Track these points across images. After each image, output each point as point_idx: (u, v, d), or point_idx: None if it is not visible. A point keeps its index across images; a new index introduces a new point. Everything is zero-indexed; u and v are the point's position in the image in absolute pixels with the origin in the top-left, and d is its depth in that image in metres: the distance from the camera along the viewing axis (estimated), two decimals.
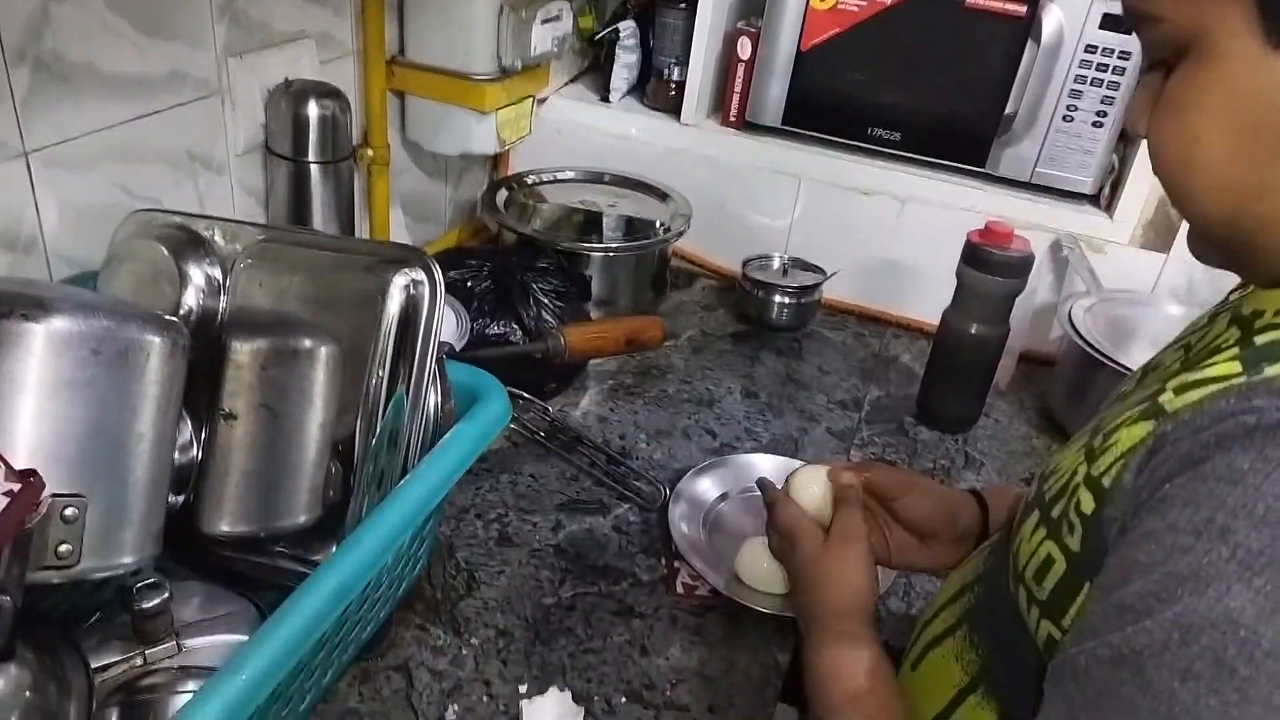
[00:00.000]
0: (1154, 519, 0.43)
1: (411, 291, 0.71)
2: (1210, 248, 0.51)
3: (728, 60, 1.42)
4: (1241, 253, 0.49)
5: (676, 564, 0.91)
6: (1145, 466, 0.45)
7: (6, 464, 0.52)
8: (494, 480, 1.01)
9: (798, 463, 1.05)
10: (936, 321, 1.18)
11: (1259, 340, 0.47)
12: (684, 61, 1.42)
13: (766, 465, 1.04)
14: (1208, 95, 0.45)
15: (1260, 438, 0.40)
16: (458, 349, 1.03)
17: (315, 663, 0.66)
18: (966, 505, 0.79)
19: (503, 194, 1.35)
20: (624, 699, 0.77)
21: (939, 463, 1.14)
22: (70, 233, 0.84)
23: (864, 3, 1.28)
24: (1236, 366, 0.45)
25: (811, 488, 0.79)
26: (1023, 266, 1.06)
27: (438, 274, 0.71)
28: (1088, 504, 0.49)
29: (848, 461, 0.83)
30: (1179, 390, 0.46)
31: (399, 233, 1.33)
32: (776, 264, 1.38)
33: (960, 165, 1.31)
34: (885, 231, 1.36)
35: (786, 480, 0.81)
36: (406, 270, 0.71)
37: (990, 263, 1.06)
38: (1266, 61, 0.43)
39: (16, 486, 0.52)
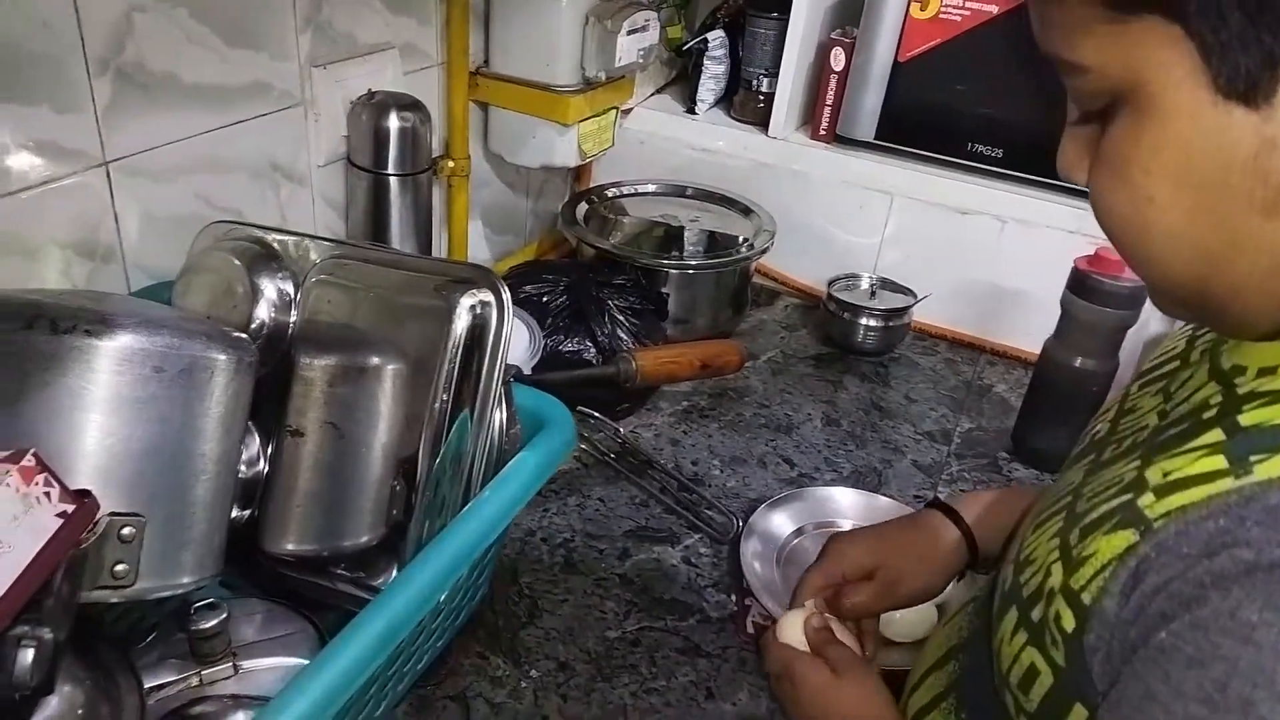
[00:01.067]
0: (1154, 675, 0.38)
1: (478, 312, 0.69)
2: (1175, 305, 0.46)
3: (820, 71, 1.36)
4: (1216, 313, 0.44)
5: (747, 601, 0.87)
6: (1129, 593, 0.40)
7: (62, 484, 0.51)
8: (561, 503, 0.98)
9: (881, 498, 1.00)
10: (1035, 350, 1.10)
11: (1244, 418, 0.41)
12: (774, 73, 1.37)
13: (847, 500, 0.99)
14: (1156, 153, 0.40)
15: (1263, 580, 0.35)
16: (530, 366, 1.00)
17: (367, 696, 0.64)
18: (948, 550, 0.73)
19: (583, 207, 1.32)
20: None
21: None
22: (149, 243, 0.85)
23: (967, 12, 1.21)
24: (1222, 461, 0.40)
25: (790, 630, 0.70)
26: (1135, 298, 0.99)
27: (506, 295, 0.69)
28: (1068, 621, 0.43)
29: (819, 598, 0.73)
30: (1160, 492, 0.41)
31: (478, 245, 1.32)
32: (864, 284, 1.32)
33: (1067, 185, 1.23)
34: (983, 254, 1.29)
35: (775, 624, 0.72)
36: (474, 291, 0.69)
37: (1099, 292, 0.99)
38: (1217, 112, 0.37)
39: (71, 508, 0.51)
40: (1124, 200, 0.42)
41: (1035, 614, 0.46)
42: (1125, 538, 0.41)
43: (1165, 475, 0.42)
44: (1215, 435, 0.42)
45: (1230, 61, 0.36)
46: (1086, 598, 0.42)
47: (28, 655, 0.44)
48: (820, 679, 0.64)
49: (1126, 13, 0.38)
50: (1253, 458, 0.39)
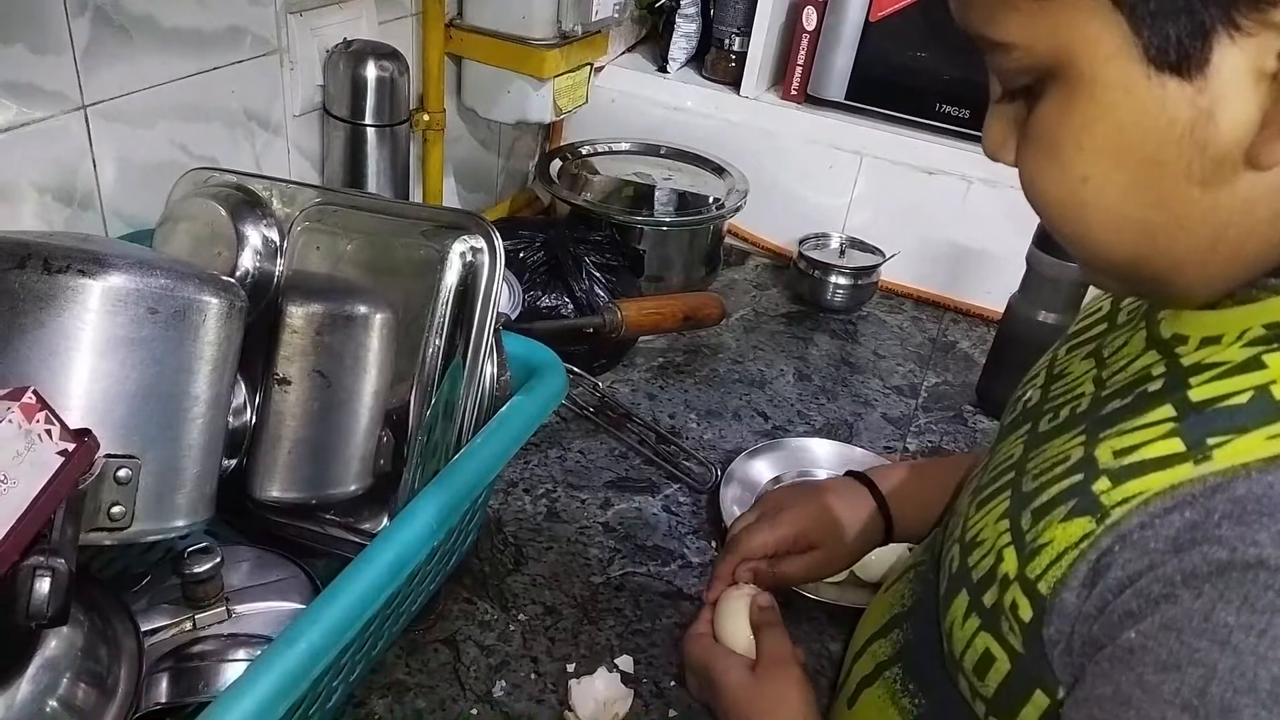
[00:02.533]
0: (1125, 677, 0.37)
1: (470, 259, 0.69)
2: (1113, 281, 0.45)
3: (791, 31, 1.37)
4: (1156, 287, 0.43)
5: None
6: (1090, 585, 0.39)
7: (62, 423, 0.51)
8: (543, 455, 0.99)
9: (856, 449, 1.03)
10: (998, 309, 1.14)
11: (1195, 393, 0.40)
12: (746, 32, 1.37)
13: (823, 450, 1.01)
14: (1089, 130, 0.38)
15: (1238, 580, 0.34)
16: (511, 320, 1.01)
17: (367, 635, 0.65)
18: (866, 523, 0.75)
19: (556, 164, 1.32)
20: (672, 682, 0.75)
21: None
22: (127, 189, 0.83)
23: None
24: (1179, 444, 0.39)
25: (740, 615, 0.68)
26: None
27: (498, 241, 0.69)
28: (1025, 611, 0.42)
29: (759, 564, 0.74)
30: (1115, 477, 0.40)
31: (451, 202, 1.31)
32: (834, 244, 1.34)
33: None
34: (949, 213, 1.32)
35: (714, 608, 0.70)
36: (466, 237, 0.69)
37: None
38: (1150, 85, 0.36)
39: (71, 446, 0.51)
40: (1057, 181, 0.40)
41: (988, 599, 0.45)
42: (1082, 525, 0.40)
43: (1116, 456, 0.41)
44: (1166, 411, 0.41)
45: (1160, 32, 0.35)
46: (1043, 587, 0.41)
47: (44, 585, 0.44)
48: (736, 678, 0.62)
49: None
50: (1210, 440, 0.38)
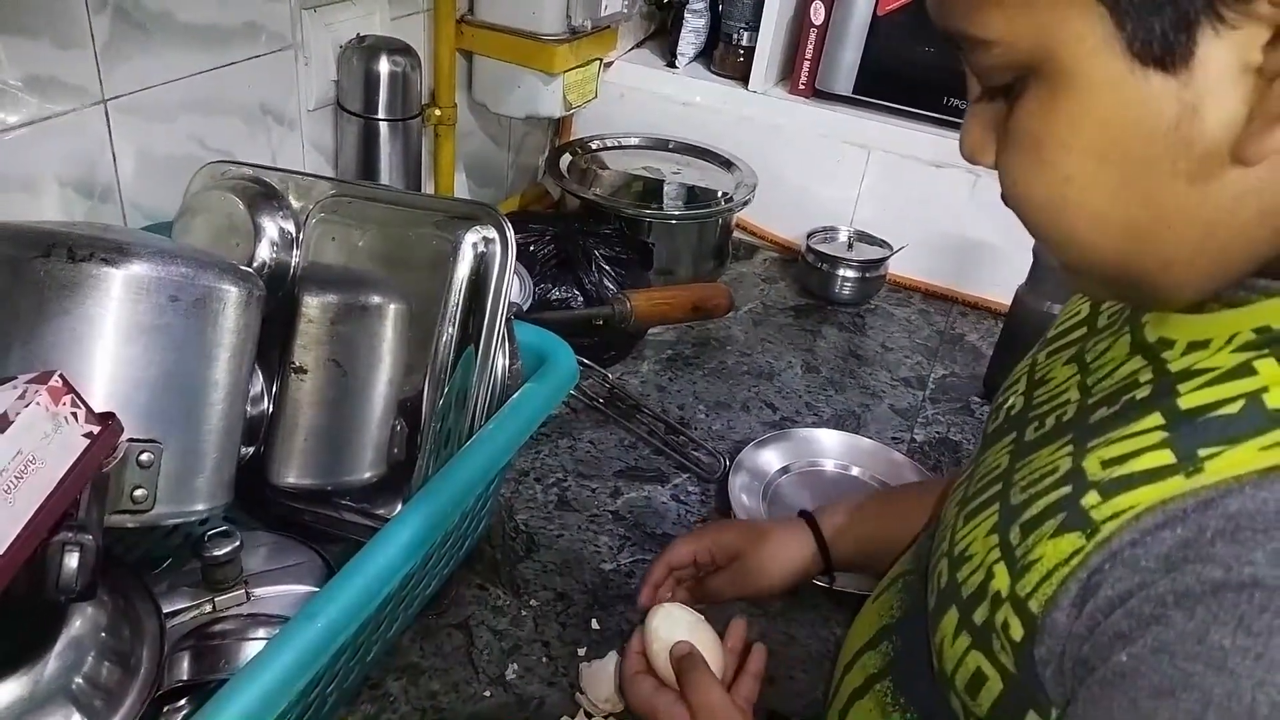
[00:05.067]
0: (1118, 701, 0.36)
1: (482, 249, 0.70)
2: (1097, 284, 0.44)
3: (799, 25, 1.38)
4: (1142, 289, 0.41)
5: None
6: (1081, 604, 0.38)
7: (87, 406, 0.53)
8: (553, 445, 1.00)
9: (863, 439, 1.03)
10: (1005, 301, 1.14)
11: (1184, 401, 0.39)
12: (754, 26, 1.38)
13: (831, 440, 1.02)
14: (1072, 129, 0.37)
15: (1233, 602, 0.33)
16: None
17: (383, 615, 0.66)
18: (801, 558, 0.75)
19: (566, 159, 1.33)
20: None
21: None
22: (146, 182, 0.85)
23: None
24: (1169, 456, 0.37)
25: (677, 631, 0.65)
26: None
27: (509, 231, 0.70)
28: (1016, 630, 0.41)
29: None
30: (1105, 490, 0.39)
31: (462, 196, 1.32)
32: (842, 237, 1.35)
33: None
34: (957, 207, 1.32)
35: (643, 625, 0.67)
36: (478, 228, 0.70)
37: None
38: (1134, 80, 0.35)
39: (96, 429, 0.52)
40: (1040, 182, 0.39)
41: (978, 616, 0.44)
42: (1072, 542, 0.39)
43: (1105, 467, 0.40)
44: (1154, 420, 0.39)
45: (1144, 25, 0.34)
46: (1034, 606, 0.40)
47: (73, 559, 0.45)
48: None
49: None
50: (1201, 452, 0.36)
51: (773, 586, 0.74)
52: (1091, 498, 0.39)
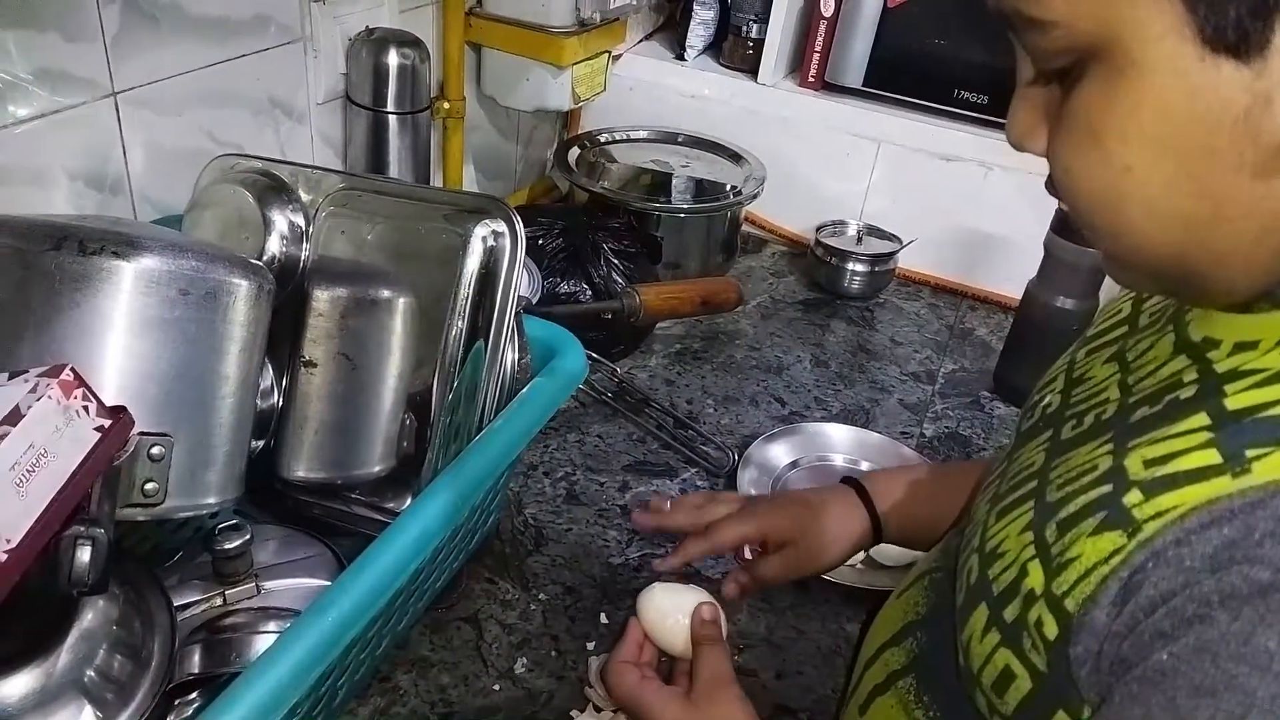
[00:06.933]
0: (1156, 700, 0.35)
1: (492, 243, 0.70)
2: (1145, 278, 0.43)
3: (809, 18, 1.37)
4: (1192, 284, 0.40)
5: None
6: (1122, 604, 0.37)
7: (98, 400, 0.53)
8: (562, 439, 1.00)
9: (872, 434, 1.03)
10: (1015, 295, 1.14)
11: (1230, 401, 0.38)
12: (764, 19, 1.38)
13: (840, 435, 1.02)
14: (1134, 117, 0.36)
15: (1279, 603, 0.32)
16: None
17: (394, 608, 0.66)
18: (857, 532, 0.73)
19: (574, 152, 1.33)
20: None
21: None
22: (156, 175, 0.85)
23: None
24: (1215, 456, 0.37)
25: (676, 617, 0.63)
26: None
27: (519, 225, 0.70)
28: (1050, 628, 0.40)
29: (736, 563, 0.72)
30: (1147, 489, 0.38)
31: (470, 189, 1.32)
32: (851, 231, 1.35)
33: None
34: (966, 200, 1.32)
35: (639, 602, 0.65)
36: (488, 221, 0.70)
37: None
38: (1203, 68, 0.34)
39: (107, 422, 0.53)
40: (1097, 171, 0.38)
41: (1009, 614, 0.43)
42: (1112, 540, 0.38)
43: (1148, 466, 0.39)
44: (1200, 420, 0.39)
45: (1218, 10, 0.33)
46: (1070, 604, 0.39)
47: (85, 553, 0.45)
48: (674, 714, 0.58)
49: None
50: (1249, 452, 0.36)
51: (828, 567, 0.73)
52: (1134, 496, 0.38)
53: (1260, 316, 0.40)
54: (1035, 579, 0.42)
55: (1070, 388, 0.52)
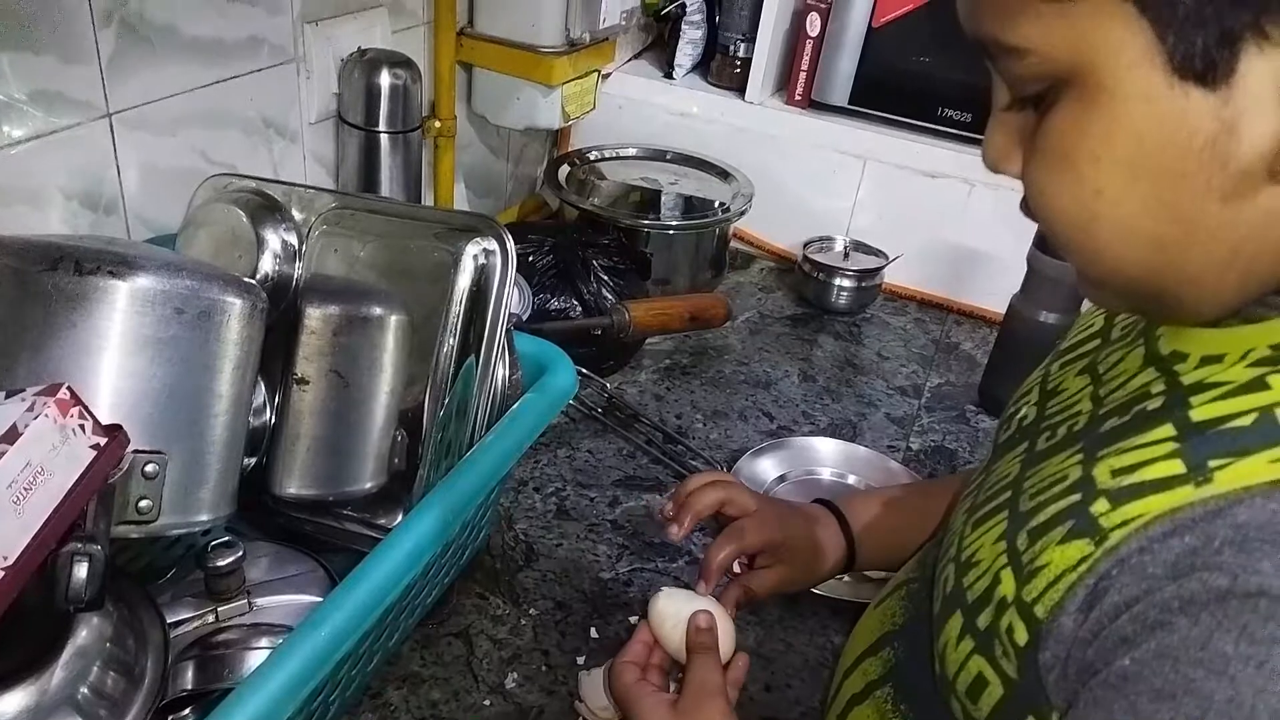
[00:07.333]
0: (1118, 704, 0.36)
1: (483, 261, 0.71)
2: (1117, 297, 0.43)
3: (795, 37, 1.39)
4: (1163, 304, 0.41)
5: None
6: (1087, 610, 0.38)
7: (94, 418, 0.53)
8: (552, 454, 1.01)
9: (860, 448, 1.04)
10: (1000, 310, 1.15)
11: (1196, 413, 0.39)
12: (751, 38, 1.40)
13: (827, 449, 1.03)
14: (1106, 142, 0.37)
15: (1237, 609, 0.33)
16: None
17: (385, 624, 0.67)
18: (834, 550, 0.73)
19: (564, 170, 1.34)
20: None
21: None
22: (150, 195, 0.85)
23: None
24: (1179, 466, 0.38)
25: (676, 622, 0.64)
26: None
27: (509, 243, 0.71)
28: (1020, 634, 0.41)
29: (739, 567, 0.72)
30: (1114, 498, 0.39)
31: (461, 207, 1.33)
32: (838, 247, 1.36)
33: None
34: (951, 216, 1.33)
35: (649, 604, 0.66)
36: (478, 239, 0.71)
37: None
38: (1172, 95, 0.35)
39: (102, 440, 0.53)
40: (1070, 194, 0.39)
41: (982, 621, 0.44)
42: (1080, 548, 0.39)
43: (1115, 475, 0.40)
44: (1166, 430, 0.40)
45: (1187, 39, 0.34)
46: (1040, 611, 0.40)
47: (82, 569, 0.46)
48: (658, 718, 0.58)
49: None
50: (1211, 463, 0.37)
51: (819, 580, 0.73)
52: (1101, 505, 0.39)
53: (1226, 331, 0.41)
54: (1007, 587, 0.43)
55: (1045, 400, 0.53)
